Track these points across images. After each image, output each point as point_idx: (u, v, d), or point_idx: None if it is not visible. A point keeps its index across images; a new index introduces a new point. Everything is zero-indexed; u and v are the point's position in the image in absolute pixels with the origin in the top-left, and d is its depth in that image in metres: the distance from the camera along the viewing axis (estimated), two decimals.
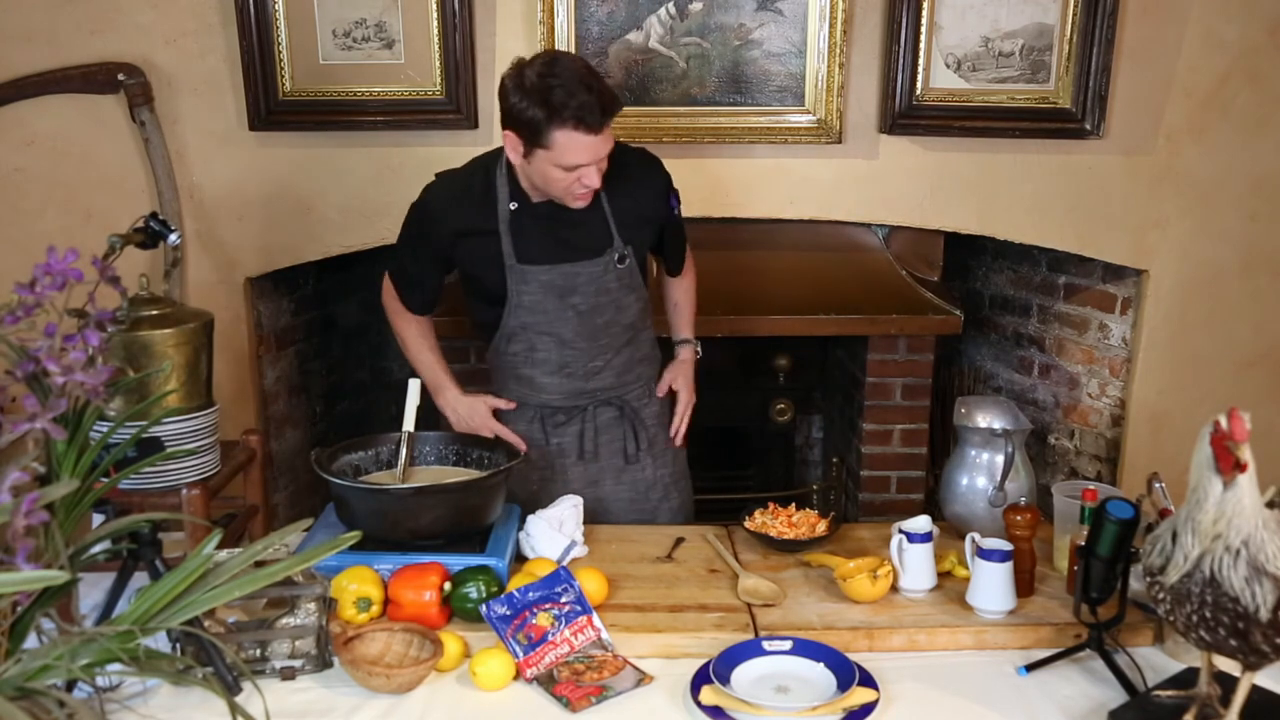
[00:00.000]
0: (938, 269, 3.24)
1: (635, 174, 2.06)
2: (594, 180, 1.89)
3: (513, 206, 1.99)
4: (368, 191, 2.87)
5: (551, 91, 1.79)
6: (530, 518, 1.82)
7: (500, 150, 2.00)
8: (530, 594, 1.56)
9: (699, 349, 2.31)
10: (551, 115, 1.80)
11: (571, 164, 1.85)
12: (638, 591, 1.71)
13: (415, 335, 2.21)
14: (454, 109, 2.76)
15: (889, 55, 2.77)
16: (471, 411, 2.15)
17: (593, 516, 2.08)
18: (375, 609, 1.57)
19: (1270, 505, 1.26)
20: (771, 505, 2.01)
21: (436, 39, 2.72)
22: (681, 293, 2.31)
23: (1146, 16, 2.79)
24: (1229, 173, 2.93)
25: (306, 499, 3.35)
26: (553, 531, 1.78)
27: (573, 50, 2.73)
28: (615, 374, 2.14)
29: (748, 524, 1.93)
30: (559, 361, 2.09)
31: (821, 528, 1.91)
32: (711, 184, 2.86)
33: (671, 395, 2.26)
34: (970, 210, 2.96)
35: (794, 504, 2.01)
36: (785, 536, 1.89)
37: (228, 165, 2.84)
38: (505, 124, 1.88)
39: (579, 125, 1.80)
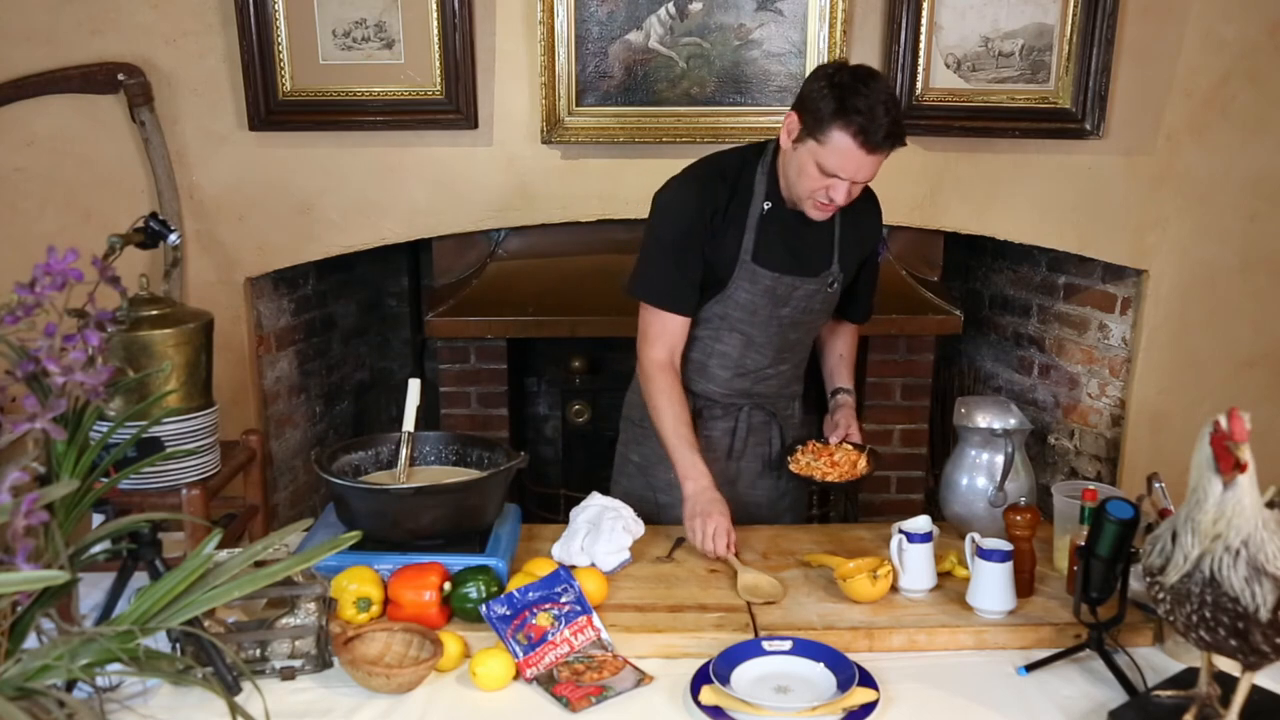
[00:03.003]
0: (938, 269, 3.24)
1: (861, 207, 2.06)
2: (840, 197, 1.87)
3: (766, 206, 1.99)
4: (368, 191, 2.87)
5: (855, 94, 1.79)
6: (594, 523, 1.79)
7: (764, 146, 2.00)
8: (530, 594, 1.56)
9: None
10: (839, 112, 1.79)
11: (832, 169, 1.83)
12: (637, 591, 1.71)
13: (673, 400, 1.98)
14: (454, 109, 2.76)
15: (889, 55, 2.77)
16: (713, 515, 1.86)
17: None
18: (375, 609, 1.57)
19: (1270, 505, 1.26)
20: (811, 444, 2.10)
21: (436, 39, 2.72)
22: (849, 346, 2.28)
23: (1146, 16, 2.79)
24: (1229, 173, 2.93)
25: (306, 499, 3.35)
26: (619, 547, 1.77)
27: (572, 51, 2.74)
28: (780, 384, 2.15)
29: (792, 467, 2.05)
30: (738, 360, 2.09)
31: (862, 464, 2.02)
32: None
33: (808, 411, 2.27)
34: (970, 210, 2.96)
35: (827, 440, 2.11)
36: (829, 478, 2.00)
37: (228, 165, 2.84)
38: (795, 106, 1.88)
39: (859, 135, 1.78)
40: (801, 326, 2.10)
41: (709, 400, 2.13)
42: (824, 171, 1.84)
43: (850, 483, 2.03)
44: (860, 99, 1.79)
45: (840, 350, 2.27)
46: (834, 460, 2.05)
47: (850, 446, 2.08)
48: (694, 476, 1.93)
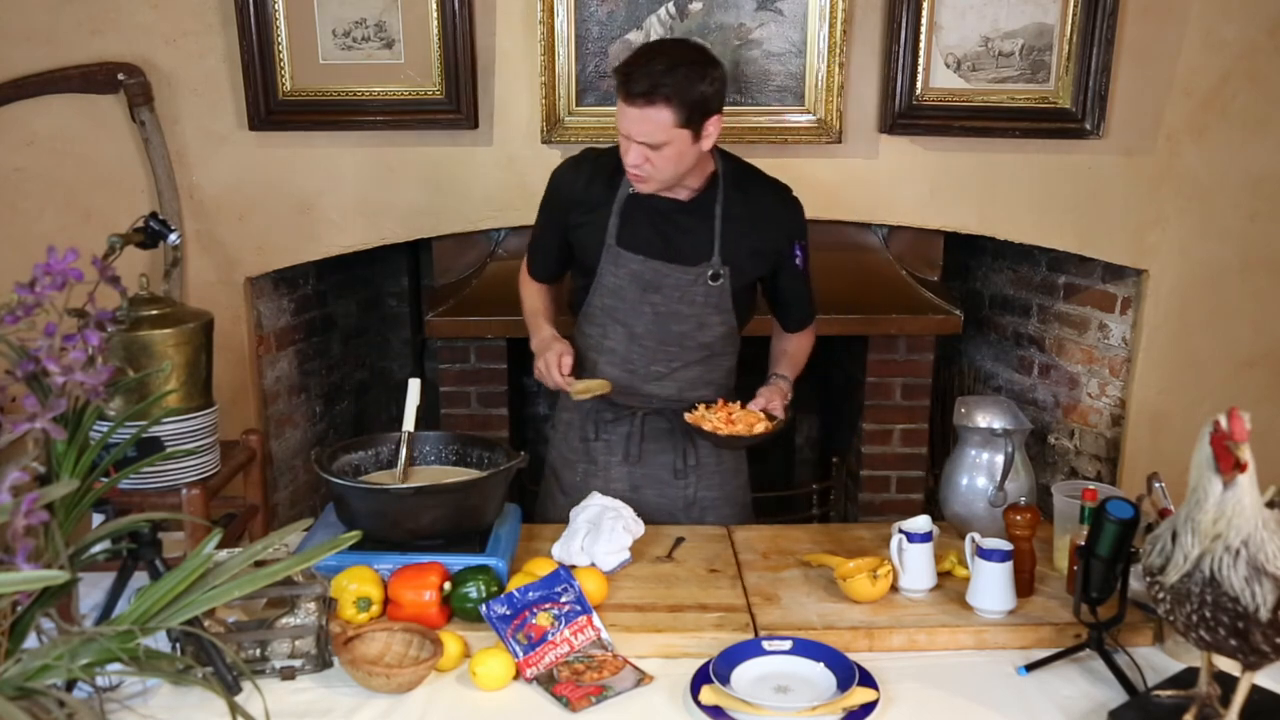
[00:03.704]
0: (938, 269, 3.23)
1: (764, 203, 2.04)
2: (629, 158, 1.88)
3: (632, 190, 1.99)
4: (368, 191, 2.87)
5: (645, 48, 1.89)
6: (594, 523, 1.79)
7: None
8: (530, 594, 1.56)
9: (790, 394, 2.16)
10: (618, 69, 1.87)
11: (620, 124, 1.87)
12: (637, 591, 1.71)
13: (532, 293, 2.20)
14: (454, 109, 2.76)
15: (889, 55, 2.77)
16: (548, 351, 2.04)
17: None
18: (375, 609, 1.57)
19: (1270, 505, 1.26)
20: (721, 400, 2.07)
21: (436, 39, 2.72)
22: (793, 345, 2.22)
23: (1146, 16, 2.79)
24: (1229, 173, 2.93)
25: (306, 499, 3.35)
26: (619, 546, 1.77)
27: (572, 51, 2.74)
28: (677, 387, 2.11)
29: (687, 417, 2.02)
30: (624, 354, 2.08)
31: (760, 426, 1.97)
32: None
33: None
34: (970, 210, 2.96)
35: (740, 403, 2.06)
36: (720, 432, 1.96)
37: (228, 165, 2.84)
38: None
39: (620, 85, 1.83)
40: (686, 320, 2.05)
41: (606, 402, 2.11)
42: (621, 131, 1.89)
43: (741, 440, 1.97)
44: (643, 54, 1.85)
45: (785, 347, 2.22)
46: (731, 419, 2.00)
47: (761, 414, 2.02)
48: (538, 334, 2.12)
